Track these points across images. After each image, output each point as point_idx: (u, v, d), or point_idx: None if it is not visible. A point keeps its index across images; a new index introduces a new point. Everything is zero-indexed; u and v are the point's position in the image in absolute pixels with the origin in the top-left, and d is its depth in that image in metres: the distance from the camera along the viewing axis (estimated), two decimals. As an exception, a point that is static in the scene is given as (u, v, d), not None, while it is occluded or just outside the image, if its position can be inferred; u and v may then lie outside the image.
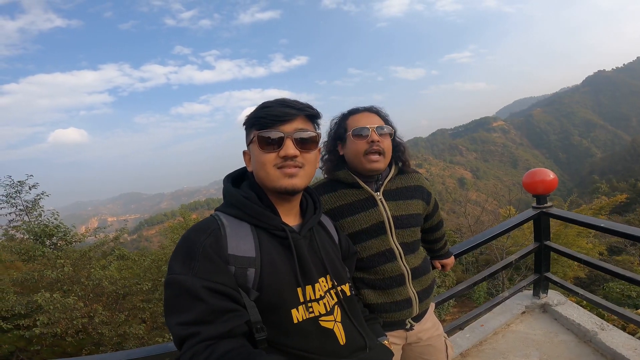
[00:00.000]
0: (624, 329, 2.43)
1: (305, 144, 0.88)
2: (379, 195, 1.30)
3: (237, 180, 0.97)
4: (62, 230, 9.43)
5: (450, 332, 2.36)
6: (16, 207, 10.20)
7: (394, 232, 1.30)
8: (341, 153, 1.35)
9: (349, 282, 1.01)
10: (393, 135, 1.34)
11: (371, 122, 1.27)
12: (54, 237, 9.24)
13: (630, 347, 2.06)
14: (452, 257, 1.77)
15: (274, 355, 0.75)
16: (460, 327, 2.56)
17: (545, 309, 2.76)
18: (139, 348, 1.42)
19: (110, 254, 10.44)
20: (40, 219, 10.03)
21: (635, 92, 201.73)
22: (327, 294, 0.91)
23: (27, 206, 10.46)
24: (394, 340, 1.37)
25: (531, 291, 2.91)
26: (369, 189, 1.30)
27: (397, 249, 1.30)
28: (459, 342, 2.51)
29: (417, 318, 1.40)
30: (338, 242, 1.09)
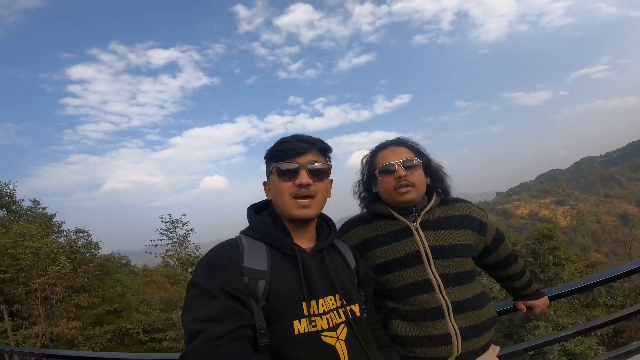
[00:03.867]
0: None
1: (318, 174, 1.01)
2: (415, 226, 1.27)
3: (261, 209, 1.11)
4: (201, 260, 11.28)
5: None
6: (172, 239, 12.79)
7: (432, 263, 1.23)
8: (375, 190, 1.37)
9: (360, 304, 1.04)
10: (428, 164, 1.33)
11: (398, 157, 1.27)
12: (195, 266, 11.09)
13: None
14: (545, 297, 1.55)
15: None
16: None
17: None
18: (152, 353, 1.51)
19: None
20: (187, 250, 12.26)
21: None
22: (334, 311, 0.96)
23: (179, 239, 12.98)
24: None
25: None
26: (404, 220, 1.29)
27: (436, 279, 1.22)
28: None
29: (462, 358, 1.23)
30: (355, 268, 1.13)
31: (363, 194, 1.40)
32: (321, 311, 0.93)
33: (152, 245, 12.81)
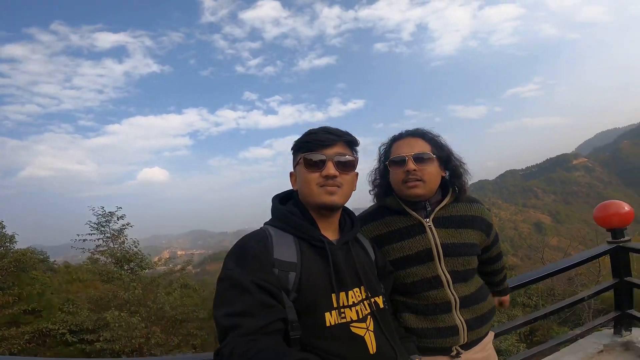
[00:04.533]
0: None
1: (344, 166, 1.02)
2: (428, 222, 1.27)
3: (284, 200, 1.11)
4: (139, 257, 10.59)
5: None
6: (104, 234, 11.78)
7: (443, 260, 1.25)
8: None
9: (382, 296, 1.07)
10: (445, 159, 1.30)
11: (412, 149, 1.24)
12: (132, 263, 10.37)
13: None
14: (508, 295, 1.66)
15: (305, 353, 0.83)
16: None
17: (628, 346, 2.52)
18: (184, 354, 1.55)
19: (175, 282, 11.31)
20: (123, 246, 11.40)
21: None
22: (361, 303, 0.97)
23: (113, 234, 12.00)
24: None
25: (609, 329, 2.68)
26: (417, 216, 1.28)
27: (445, 276, 1.25)
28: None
29: (467, 346, 1.30)
30: (374, 260, 1.16)
31: (378, 181, 1.38)
32: (350, 303, 0.94)
33: (79, 240, 11.47)
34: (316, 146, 1.00)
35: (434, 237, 1.25)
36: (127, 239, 11.71)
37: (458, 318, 1.26)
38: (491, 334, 1.43)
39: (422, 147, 1.25)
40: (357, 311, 0.94)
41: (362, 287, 0.99)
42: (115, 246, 11.44)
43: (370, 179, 1.41)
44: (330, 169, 0.98)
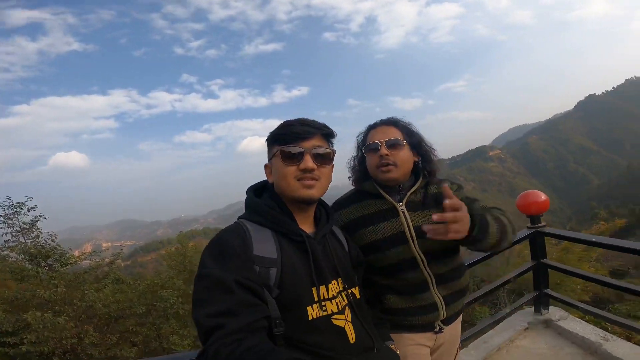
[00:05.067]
0: (628, 339, 2.40)
1: (322, 159, 1.00)
2: (401, 206, 1.32)
3: (258, 192, 1.07)
4: (58, 252, 9.39)
5: None
6: (13, 227, 10.17)
7: (416, 242, 1.29)
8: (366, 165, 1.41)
9: (358, 286, 1.09)
10: (416, 145, 1.36)
11: (385, 136, 1.31)
12: (50, 259, 9.18)
13: (636, 356, 2.07)
14: None
15: (293, 353, 0.82)
16: (464, 345, 2.55)
17: (548, 324, 2.79)
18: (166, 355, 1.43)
19: (104, 277, 10.31)
20: (37, 240, 9.97)
21: (627, 115, 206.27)
22: (339, 295, 0.99)
23: (24, 227, 10.42)
24: (423, 342, 1.36)
25: (530, 307, 2.95)
26: (391, 199, 1.33)
27: (420, 257, 1.30)
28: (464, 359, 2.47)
29: (447, 321, 1.39)
30: (348, 251, 1.17)
31: (356, 167, 1.45)
32: (330, 295, 0.96)
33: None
34: (293, 139, 0.97)
35: (407, 220, 1.30)
36: (41, 233, 10.29)
37: (436, 295, 1.33)
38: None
39: (394, 134, 1.32)
40: (336, 303, 0.96)
41: (339, 279, 1.01)
42: (28, 241, 9.97)
43: (349, 166, 1.49)
44: (308, 162, 0.96)
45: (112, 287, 9.46)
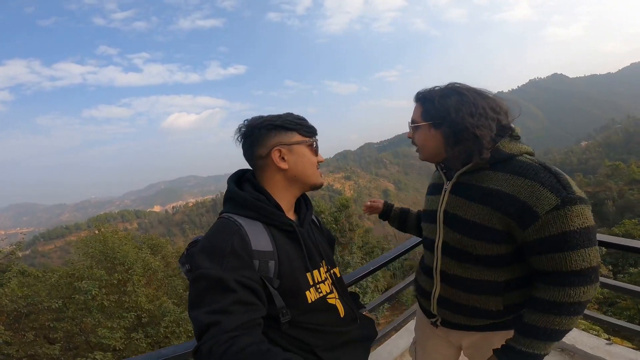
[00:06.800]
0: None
1: None
2: (446, 185, 1.16)
3: (238, 183, 1.05)
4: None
5: (387, 335, 2.50)
6: None
7: (441, 228, 1.16)
8: None
9: (338, 266, 1.15)
10: (439, 123, 1.07)
11: (412, 115, 1.16)
12: None
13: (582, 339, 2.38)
14: None
15: (289, 353, 0.81)
16: (396, 329, 2.60)
17: None
18: (157, 351, 1.41)
19: (7, 269, 8.94)
20: None
21: (525, 113, 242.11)
22: (327, 275, 1.05)
23: None
24: (426, 322, 1.35)
25: None
26: (443, 176, 1.19)
27: (437, 242, 1.18)
28: (398, 343, 2.54)
29: (447, 324, 1.25)
30: (323, 233, 1.21)
31: None
32: (323, 278, 1.02)
33: None
34: (314, 133, 1.05)
35: (443, 201, 1.16)
36: None
37: (435, 287, 1.22)
38: (488, 338, 1.16)
39: (415, 113, 1.14)
40: (328, 285, 1.04)
41: (323, 261, 1.06)
42: None
43: None
44: (322, 156, 1.07)
45: (17, 280, 8.30)
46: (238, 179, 1.05)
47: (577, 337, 2.34)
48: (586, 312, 2.12)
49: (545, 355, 0.97)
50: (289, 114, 1.04)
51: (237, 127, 1.04)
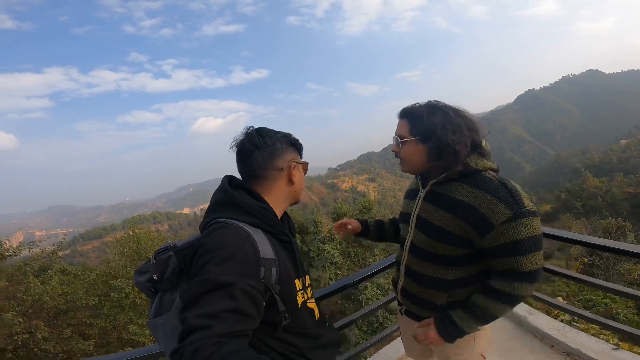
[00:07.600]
0: (548, 314, 2.81)
1: None
2: (421, 193, 1.29)
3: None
4: (-10, 244, 8.53)
5: (392, 335, 2.48)
6: None
7: (413, 229, 1.31)
8: None
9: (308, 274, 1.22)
10: (426, 139, 1.17)
11: (397, 131, 1.25)
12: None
13: (553, 327, 2.50)
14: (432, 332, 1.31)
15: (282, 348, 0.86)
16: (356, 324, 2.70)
17: None
18: (130, 351, 1.52)
19: (49, 268, 9.59)
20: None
21: (559, 110, 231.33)
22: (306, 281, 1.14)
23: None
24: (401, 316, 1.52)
25: None
26: (420, 184, 1.33)
27: (408, 242, 1.34)
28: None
29: (410, 314, 1.42)
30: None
31: None
32: (307, 284, 1.11)
33: None
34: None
35: (418, 206, 1.30)
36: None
37: (400, 279, 1.41)
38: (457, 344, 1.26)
39: (402, 128, 1.23)
40: (309, 290, 1.12)
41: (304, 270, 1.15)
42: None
43: None
44: None
45: (58, 278, 8.87)
46: (228, 184, 1.07)
47: (584, 342, 2.32)
48: (596, 317, 2.19)
49: (467, 333, 1.18)
50: (295, 138, 1.13)
51: (244, 134, 1.06)
